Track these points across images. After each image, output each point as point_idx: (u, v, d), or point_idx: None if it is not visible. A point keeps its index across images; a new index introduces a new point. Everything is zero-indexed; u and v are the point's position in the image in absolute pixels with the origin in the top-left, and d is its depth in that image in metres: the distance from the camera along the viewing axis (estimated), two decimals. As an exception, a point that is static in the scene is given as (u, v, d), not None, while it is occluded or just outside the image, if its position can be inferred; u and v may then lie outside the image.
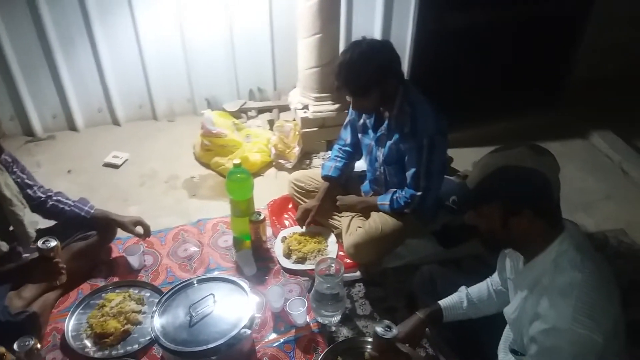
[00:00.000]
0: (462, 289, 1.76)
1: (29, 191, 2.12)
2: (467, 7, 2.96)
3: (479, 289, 1.75)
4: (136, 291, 2.18)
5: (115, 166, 3.05)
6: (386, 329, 1.60)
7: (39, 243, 1.83)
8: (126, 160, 3.11)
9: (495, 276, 1.72)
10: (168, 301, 1.91)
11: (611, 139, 3.23)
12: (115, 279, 2.26)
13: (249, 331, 1.82)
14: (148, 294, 2.18)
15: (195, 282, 1.98)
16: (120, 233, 2.37)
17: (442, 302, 1.74)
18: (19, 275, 1.90)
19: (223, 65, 3.40)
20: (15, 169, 2.07)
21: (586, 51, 3.29)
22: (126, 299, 2.10)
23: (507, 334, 1.62)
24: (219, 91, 3.48)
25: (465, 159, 2.90)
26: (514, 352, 1.48)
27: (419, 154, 2.07)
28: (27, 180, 2.12)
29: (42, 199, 2.16)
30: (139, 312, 2.08)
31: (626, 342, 1.32)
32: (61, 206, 2.18)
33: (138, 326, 2.04)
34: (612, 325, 1.23)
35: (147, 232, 2.33)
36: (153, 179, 2.98)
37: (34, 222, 2.07)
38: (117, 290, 2.18)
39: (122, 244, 2.45)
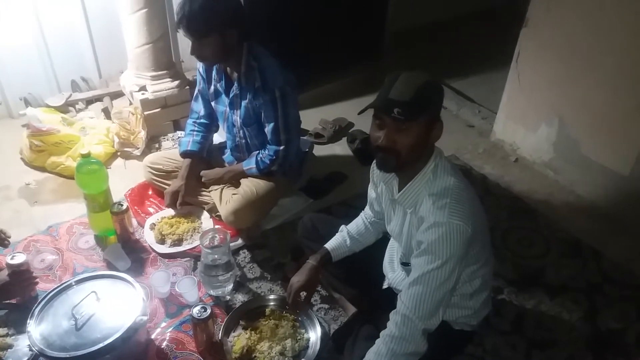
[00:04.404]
0: (342, 228, 1.86)
1: None
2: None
3: (357, 224, 1.87)
4: (-7, 314, 1.90)
5: None
6: (201, 310, 1.72)
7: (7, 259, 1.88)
8: (-63, 180, 2.64)
9: (367, 211, 1.86)
10: (43, 311, 1.72)
11: (427, 82, 3.64)
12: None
13: (145, 317, 1.73)
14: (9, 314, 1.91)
15: (73, 283, 1.80)
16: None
17: (328, 245, 1.82)
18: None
19: (35, 59, 3.04)
20: None
21: (395, 4, 3.62)
22: (-17, 326, 1.83)
23: (390, 252, 1.78)
24: (36, 88, 3.10)
25: (309, 119, 3.06)
26: (405, 264, 1.63)
27: (273, 107, 2.11)
28: None
29: None
30: (5, 335, 1.82)
31: (490, 241, 1.58)
32: None
33: (9, 350, 1.78)
34: (476, 218, 1.44)
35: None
36: (-21, 194, 2.59)
37: None
38: (-33, 320, 1.87)
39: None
